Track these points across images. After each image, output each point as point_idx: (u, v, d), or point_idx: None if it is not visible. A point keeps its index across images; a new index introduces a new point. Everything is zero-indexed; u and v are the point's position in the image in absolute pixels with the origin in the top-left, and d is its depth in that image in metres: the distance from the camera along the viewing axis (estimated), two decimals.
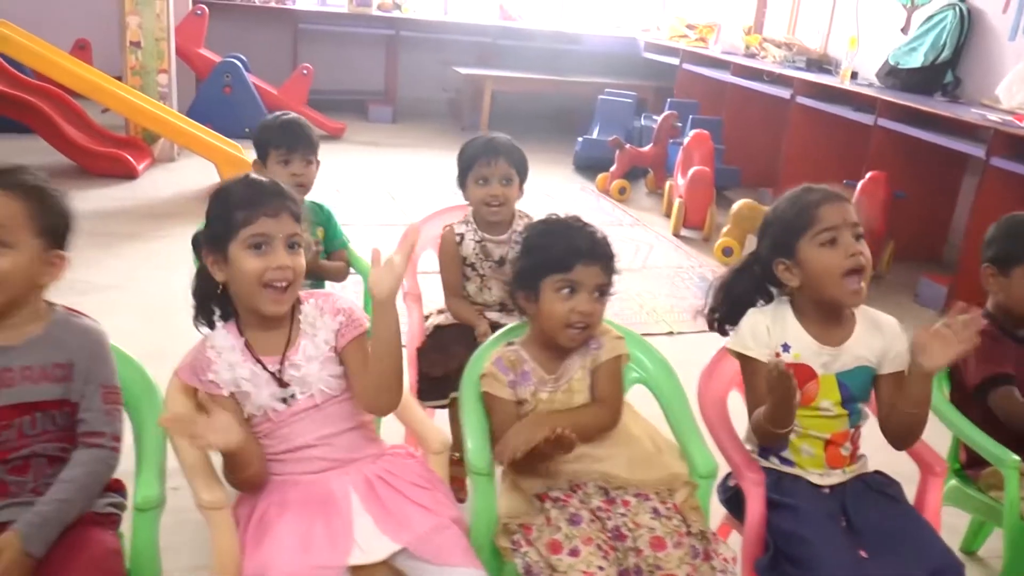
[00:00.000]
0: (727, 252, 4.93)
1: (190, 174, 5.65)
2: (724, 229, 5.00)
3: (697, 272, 4.80)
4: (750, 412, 1.84)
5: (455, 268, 2.45)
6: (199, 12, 6.69)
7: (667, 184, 5.82)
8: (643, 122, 6.94)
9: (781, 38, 6.74)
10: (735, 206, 4.99)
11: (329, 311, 1.70)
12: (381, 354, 1.63)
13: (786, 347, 1.84)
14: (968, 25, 5.23)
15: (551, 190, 5.99)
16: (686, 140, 5.62)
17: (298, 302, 1.68)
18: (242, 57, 6.80)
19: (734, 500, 1.95)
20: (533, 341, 1.85)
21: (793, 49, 6.44)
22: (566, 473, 1.73)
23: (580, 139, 6.71)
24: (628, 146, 6.14)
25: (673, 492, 1.77)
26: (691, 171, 5.30)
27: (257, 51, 7.46)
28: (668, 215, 5.64)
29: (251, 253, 1.57)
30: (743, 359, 1.86)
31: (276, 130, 2.50)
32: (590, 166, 6.58)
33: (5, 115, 5.22)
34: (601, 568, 1.58)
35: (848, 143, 5.68)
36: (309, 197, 2.52)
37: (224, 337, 1.64)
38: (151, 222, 4.72)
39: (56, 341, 1.53)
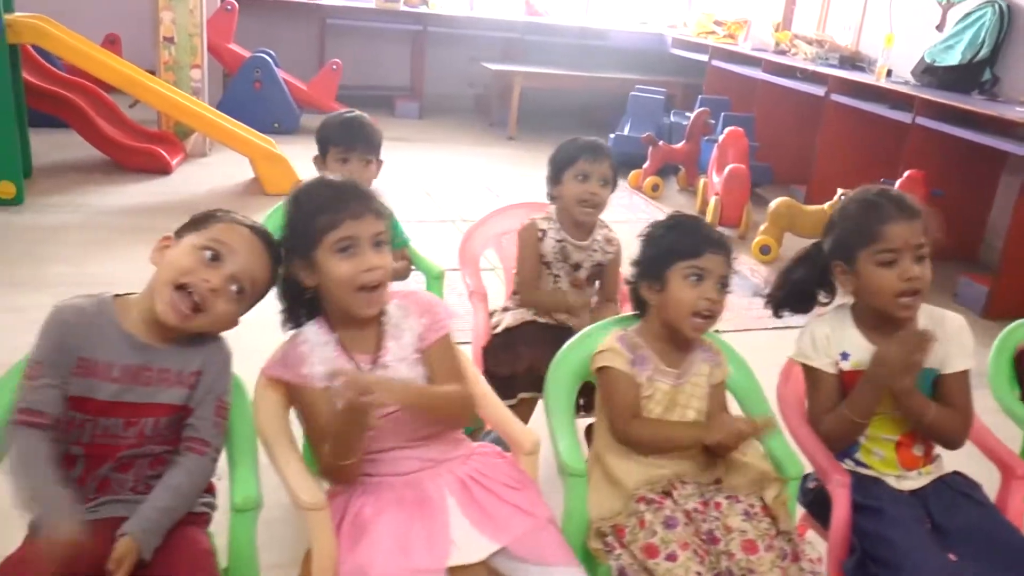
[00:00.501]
0: (764, 250, 4.91)
1: (223, 169, 5.65)
2: (762, 227, 4.98)
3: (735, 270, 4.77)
4: (812, 421, 1.86)
5: (535, 261, 2.45)
6: (229, 7, 6.69)
7: (700, 181, 5.80)
8: (672, 119, 6.92)
9: (812, 35, 6.70)
10: (773, 204, 4.97)
11: (415, 312, 1.69)
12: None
13: (845, 355, 1.85)
14: (1008, 23, 5.19)
15: None
16: (720, 137, 5.60)
17: None
18: (271, 52, 6.80)
19: (815, 502, 1.94)
20: (650, 333, 1.85)
21: (825, 46, 6.40)
22: (667, 473, 1.73)
23: (611, 136, 6.69)
24: (661, 143, 6.12)
25: (762, 491, 1.76)
26: (727, 168, 5.28)
27: (284, 46, 7.46)
28: (702, 212, 5.63)
29: (339, 258, 1.55)
30: (806, 369, 1.87)
31: (337, 128, 2.49)
32: (621, 163, 6.47)
33: (41, 110, 5.22)
34: (698, 573, 1.58)
35: (882, 141, 5.66)
36: None
37: (316, 333, 1.63)
38: (187, 217, 4.73)
39: (193, 349, 1.54)
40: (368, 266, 1.56)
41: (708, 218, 5.38)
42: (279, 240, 1.62)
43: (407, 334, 1.66)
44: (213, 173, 5.60)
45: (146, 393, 1.49)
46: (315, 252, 1.56)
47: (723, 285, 1.80)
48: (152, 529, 1.40)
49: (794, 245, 5.01)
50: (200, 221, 1.57)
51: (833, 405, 1.81)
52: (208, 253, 1.52)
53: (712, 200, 5.35)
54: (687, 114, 6.53)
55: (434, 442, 1.66)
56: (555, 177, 2.47)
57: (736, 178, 5.24)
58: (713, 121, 6.18)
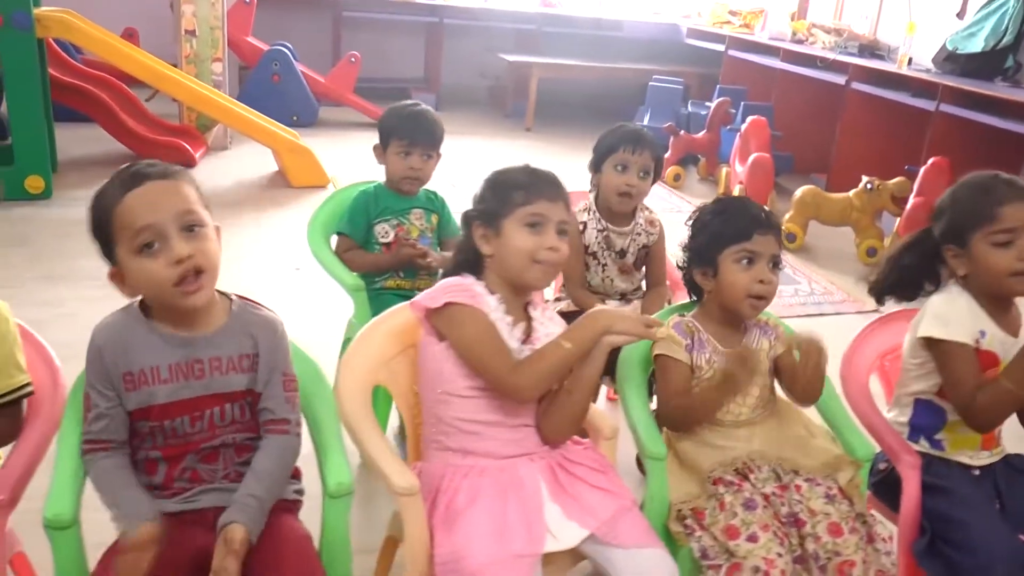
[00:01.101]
0: (790, 238, 4.92)
1: (245, 161, 5.66)
2: (787, 215, 4.98)
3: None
4: (959, 397, 1.79)
5: (578, 256, 2.45)
6: (247, 0, 6.68)
7: (722, 171, 5.81)
8: (690, 109, 6.92)
9: (829, 24, 6.70)
10: (798, 192, 4.98)
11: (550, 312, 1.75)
12: (583, 389, 1.65)
13: (983, 333, 1.82)
14: None
15: None
16: (743, 127, 5.60)
17: None
18: (288, 45, 6.80)
19: (882, 484, 1.95)
20: (707, 317, 1.87)
21: (843, 35, 6.40)
22: (739, 455, 1.75)
23: None
24: (682, 132, 6.13)
25: (836, 474, 1.77)
26: (751, 158, 5.28)
27: (299, 39, 7.45)
28: None
29: (527, 231, 1.62)
30: (942, 346, 1.81)
31: (402, 121, 2.48)
32: None
33: (65, 103, 5.22)
34: (780, 555, 1.59)
35: (903, 129, 5.66)
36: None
37: (481, 288, 1.66)
38: (214, 210, 4.76)
39: (241, 332, 1.51)
40: (551, 244, 1.62)
41: None
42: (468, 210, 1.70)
43: (551, 327, 1.72)
44: (236, 165, 5.61)
45: (202, 385, 1.47)
46: (504, 221, 1.63)
47: (775, 264, 1.81)
48: (253, 515, 1.41)
49: (819, 233, 5.05)
50: (105, 238, 1.44)
51: (979, 379, 1.77)
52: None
53: (736, 189, 5.36)
54: (707, 104, 6.53)
55: (529, 430, 1.67)
56: (596, 165, 2.48)
57: (760, 167, 5.24)
58: (733, 111, 6.17)
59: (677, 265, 1.97)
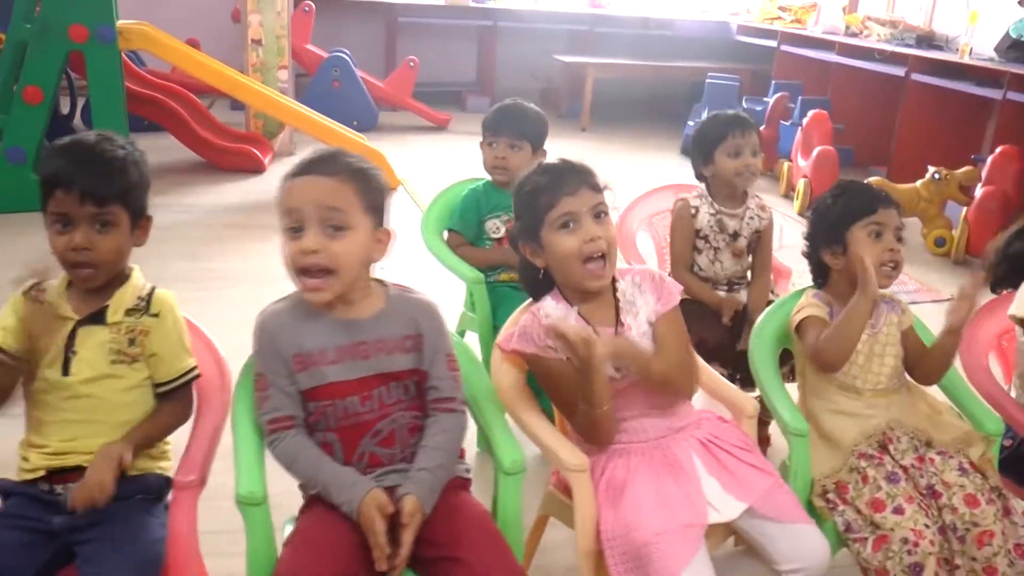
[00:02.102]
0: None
1: None
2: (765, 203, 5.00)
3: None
4: None
5: (687, 241, 2.51)
6: (307, 8, 6.81)
7: (783, 165, 5.83)
8: (744, 105, 6.94)
9: (883, 16, 6.70)
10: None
11: (648, 288, 1.74)
12: None
13: None
14: None
15: (668, 175, 6.02)
16: (804, 121, 5.63)
17: (614, 279, 1.72)
18: (346, 52, 6.90)
19: (1009, 460, 1.99)
20: (836, 295, 1.92)
21: (899, 27, 6.40)
22: (880, 424, 1.80)
23: (691, 123, 6.72)
24: None
25: (967, 449, 1.81)
26: (816, 151, 5.31)
27: (354, 45, 7.54)
28: (786, 196, 5.68)
29: (563, 233, 1.62)
30: None
31: (490, 114, 2.62)
32: None
33: (139, 114, 5.35)
34: (927, 526, 1.64)
35: (965, 119, 5.66)
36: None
37: (555, 307, 1.69)
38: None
39: (402, 314, 1.58)
40: (590, 236, 1.62)
41: (797, 201, 5.42)
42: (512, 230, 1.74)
43: (642, 310, 1.72)
44: None
45: (368, 366, 1.54)
46: (541, 232, 1.65)
47: (899, 237, 1.88)
48: (425, 487, 1.48)
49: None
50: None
51: None
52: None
53: (800, 183, 5.38)
54: (765, 99, 6.55)
55: (671, 410, 1.72)
56: (706, 156, 2.53)
57: (826, 160, 5.27)
58: (792, 105, 6.20)
59: (803, 253, 2.01)
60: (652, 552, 1.50)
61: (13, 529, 1.44)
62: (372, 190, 1.54)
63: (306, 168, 1.51)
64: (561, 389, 1.65)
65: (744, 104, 6.92)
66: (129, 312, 1.55)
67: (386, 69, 7.78)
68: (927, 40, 6.18)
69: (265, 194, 5.40)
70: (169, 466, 1.63)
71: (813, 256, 1.98)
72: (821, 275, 1.99)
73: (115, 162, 1.52)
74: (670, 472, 1.63)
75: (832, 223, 1.90)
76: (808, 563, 1.59)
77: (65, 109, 5.57)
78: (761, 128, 6.10)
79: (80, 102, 5.57)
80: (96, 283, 1.54)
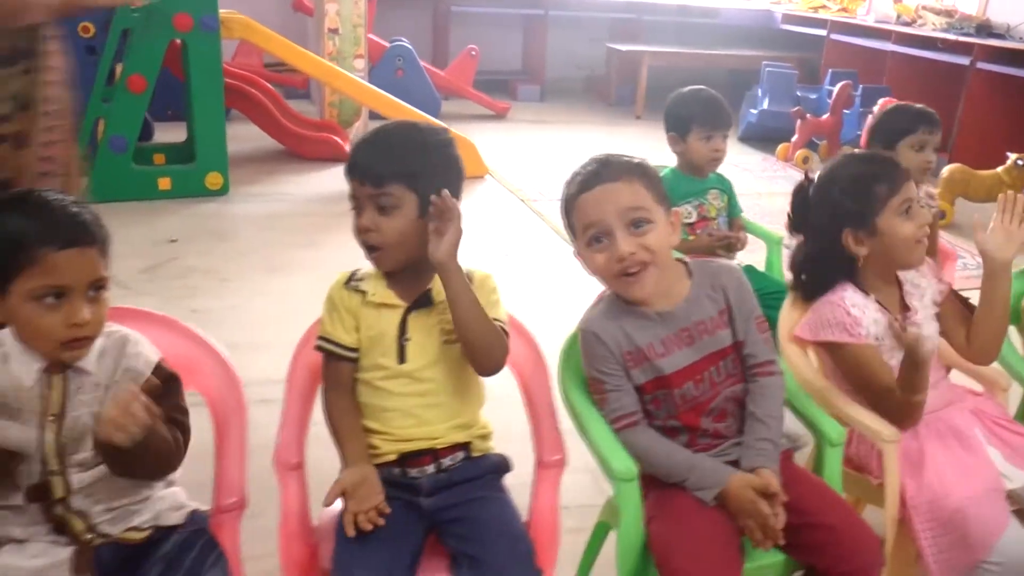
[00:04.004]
0: (940, 215, 5.05)
1: None
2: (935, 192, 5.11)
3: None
4: None
5: None
6: None
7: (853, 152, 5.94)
8: (799, 93, 7.04)
9: (939, 5, 6.81)
10: (945, 170, 5.11)
11: (927, 270, 1.85)
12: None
13: None
14: None
15: (734, 160, 6.12)
16: (875, 109, 5.73)
17: None
18: (404, 40, 6.94)
19: None
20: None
21: (955, 16, 6.51)
22: None
23: (753, 111, 6.81)
24: (809, 116, 6.27)
25: None
26: None
27: (406, 34, 7.58)
28: None
29: (903, 218, 1.73)
30: None
31: (700, 106, 2.64)
32: (761, 137, 6.72)
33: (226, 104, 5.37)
34: None
35: None
36: None
37: (857, 296, 1.78)
38: None
39: (710, 288, 1.64)
40: (922, 223, 1.75)
41: None
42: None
43: (927, 293, 1.83)
44: None
45: (695, 349, 1.60)
46: (876, 219, 1.73)
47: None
48: (775, 459, 1.56)
49: (967, 210, 5.17)
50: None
51: None
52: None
53: None
54: (823, 88, 6.65)
55: (947, 381, 1.83)
56: (887, 145, 2.61)
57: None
58: (855, 93, 6.32)
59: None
60: (968, 517, 1.59)
61: (392, 509, 1.48)
62: (654, 179, 1.60)
63: (591, 180, 1.56)
64: (870, 376, 1.74)
65: (798, 92, 7.03)
66: None
67: (434, 58, 7.81)
68: (986, 29, 6.30)
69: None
70: (492, 446, 1.65)
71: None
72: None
73: (397, 145, 1.54)
74: (957, 441, 1.72)
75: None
76: None
77: None
78: (825, 116, 6.31)
79: None
80: (386, 266, 1.56)
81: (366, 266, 1.61)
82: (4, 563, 1.34)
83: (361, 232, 1.53)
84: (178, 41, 4.59)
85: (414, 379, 1.54)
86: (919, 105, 2.67)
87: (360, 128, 5.99)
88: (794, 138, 6.27)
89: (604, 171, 1.58)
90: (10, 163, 1.90)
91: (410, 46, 6.79)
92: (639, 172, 1.58)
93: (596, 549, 1.81)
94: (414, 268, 1.56)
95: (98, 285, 1.36)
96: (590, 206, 1.56)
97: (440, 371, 1.56)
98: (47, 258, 1.29)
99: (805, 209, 1.87)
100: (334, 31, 5.79)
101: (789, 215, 1.91)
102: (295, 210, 4.75)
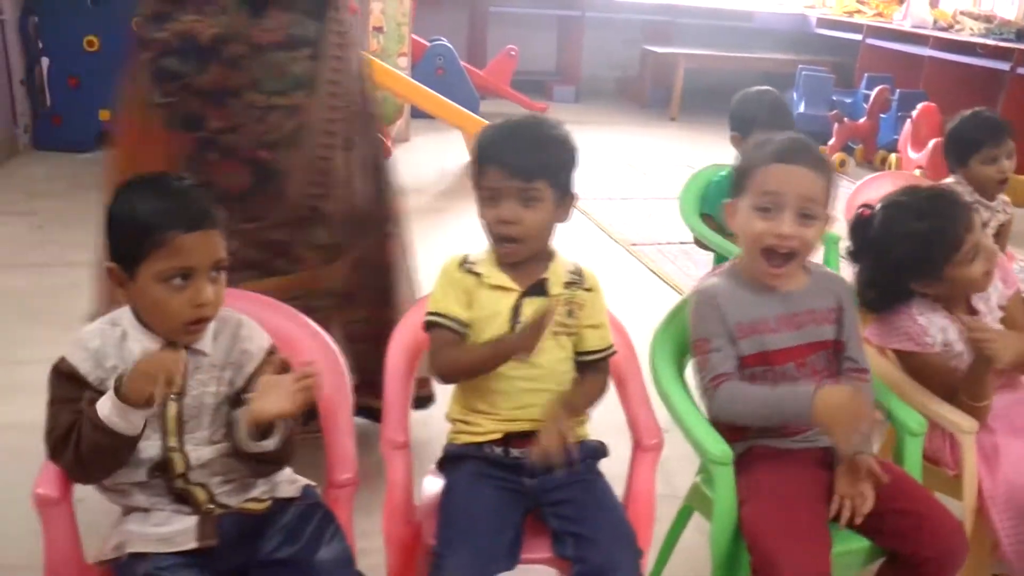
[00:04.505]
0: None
1: (432, 151, 5.95)
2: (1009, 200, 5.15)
3: None
4: None
5: None
6: None
7: (891, 157, 5.98)
8: (834, 97, 7.07)
9: (977, 10, 6.83)
10: None
11: (999, 277, 1.94)
12: None
13: None
14: None
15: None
16: (914, 114, 5.77)
17: None
18: (443, 39, 7.01)
19: None
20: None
21: (993, 22, 6.52)
22: None
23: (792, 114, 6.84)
24: (846, 120, 6.31)
25: None
26: (932, 143, 5.46)
27: (444, 34, 7.65)
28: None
29: (969, 265, 1.81)
30: None
31: (764, 109, 2.72)
32: None
33: None
34: None
35: None
36: None
37: (926, 305, 1.88)
38: (453, 198, 5.11)
39: (824, 288, 1.73)
40: (990, 255, 1.86)
41: None
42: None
43: (992, 297, 1.92)
44: (425, 156, 5.86)
45: (801, 335, 1.69)
46: (943, 271, 1.82)
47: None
48: (868, 447, 1.63)
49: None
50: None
51: None
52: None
53: (916, 174, 5.52)
54: (861, 92, 6.69)
55: (1015, 380, 1.91)
56: (960, 161, 2.66)
57: (942, 151, 5.40)
58: (892, 98, 6.35)
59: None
60: None
61: (495, 488, 1.55)
62: (833, 183, 1.67)
63: (790, 155, 1.62)
64: (936, 382, 1.82)
65: (833, 96, 7.07)
66: (567, 285, 1.64)
67: (469, 57, 7.87)
68: None
69: (402, 178, 5.44)
70: (588, 432, 1.70)
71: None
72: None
73: (543, 140, 1.60)
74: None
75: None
76: None
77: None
78: (861, 120, 6.35)
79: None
80: (518, 257, 1.60)
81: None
82: (132, 529, 1.41)
83: (501, 223, 1.56)
84: None
85: (523, 363, 1.57)
86: (986, 113, 2.70)
87: (402, 126, 6.06)
88: (831, 142, 6.30)
89: (804, 153, 1.64)
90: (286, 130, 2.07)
91: (450, 45, 6.86)
92: (828, 171, 1.66)
93: (678, 534, 1.88)
94: (533, 257, 1.62)
95: (219, 266, 1.42)
96: (779, 177, 1.62)
97: (548, 359, 1.60)
98: (176, 240, 1.35)
99: (865, 243, 1.93)
100: (379, 29, 5.86)
101: (849, 250, 1.98)
102: None
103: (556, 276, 1.63)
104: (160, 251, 1.35)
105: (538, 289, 1.61)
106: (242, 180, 2.06)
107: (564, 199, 1.61)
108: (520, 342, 1.50)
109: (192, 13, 1.98)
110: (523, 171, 1.53)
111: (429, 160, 5.76)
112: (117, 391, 1.28)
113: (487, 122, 5.36)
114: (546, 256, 1.65)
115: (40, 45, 5.33)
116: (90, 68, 5.25)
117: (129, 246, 1.37)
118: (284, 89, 2.05)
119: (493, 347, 1.55)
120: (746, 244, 1.68)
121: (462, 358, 1.58)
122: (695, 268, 4.08)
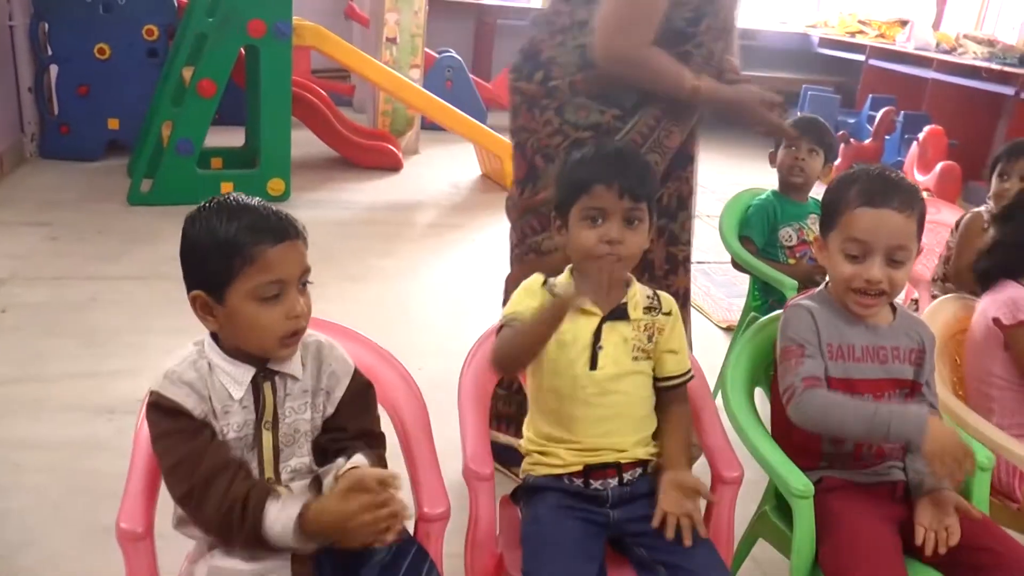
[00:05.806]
0: None
1: (442, 164, 5.96)
2: None
3: None
4: None
5: (972, 252, 2.67)
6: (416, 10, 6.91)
7: None
8: (838, 117, 7.14)
9: (979, 34, 6.91)
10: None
11: None
12: None
13: None
14: None
15: (766, 182, 6.19)
16: (921, 136, 5.84)
17: None
18: (451, 51, 7.02)
19: None
20: None
21: (996, 46, 6.60)
22: None
23: None
24: (853, 141, 6.36)
25: None
26: (940, 165, 5.53)
27: (446, 45, 7.67)
28: None
29: None
30: None
31: (802, 126, 2.75)
32: None
33: None
34: None
35: None
36: None
37: None
38: (452, 211, 5.08)
39: (909, 328, 1.73)
40: None
41: None
42: None
43: None
44: (436, 170, 5.86)
45: (884, 369, 1.69)
46: None
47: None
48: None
49: None
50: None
51: None
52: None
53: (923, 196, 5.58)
54: (873, 113, 6.75)
55: None
56: (1003, 169, 2.71)
57: (949, 175, 5.49)
58: (898, 119, 6.41)
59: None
60: None
61: (578, 520, 1.54)
62: (924, 215, 1.65)
63: (879, 199, 1.60)
64: None
65: (837, 117, 7.13)
66: (647, 310, 1.64)
67: (475, 69, 7.88)
68: None
69: (414, 192, 5.54)
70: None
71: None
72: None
73: (646, 165, 1.65)
74: None
75: None
76: None
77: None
78: (867, 141, 6.40)
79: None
80: (619, 275, 1.61)
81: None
82: (221, 565, 1.36)
83: (610, 243, 1.56)
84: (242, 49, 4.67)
85: (604, 389, 1.57)
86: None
87: (412, 138, 6.06)
88: (837, 162, 6.33)
89: (893, 193, 1.60)
90: None
91: (459, 57, 6.87)
92: (920, 208, 1.63)
93: (740, 562, 1.88)
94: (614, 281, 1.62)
95: (306, 276, 1.40)
96: (866, 224, 1.60)
97: (628, 385, 1.60)
98: (265, 254, 1.33)
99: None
100: (392, 40, 5.87)
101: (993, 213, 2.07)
102: (361, 218, 4.81)
103: (635, 301, 1.63)
104: (251, 267, 1.33)
105: (619, 313, 1.61)
106: None
107: (652, 223, 1.62)
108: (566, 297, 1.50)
109: None
110: (633, 192, 1.55)
111: (439, 174, 5.76)
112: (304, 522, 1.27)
113: (500, 136, 5.47)
114: (625, 281, 1.65)
115: (50, 52, 5.30)
116: (101, 76, 5.25)
117: (217, 269, 1.35)
118: None
119: (537, 314, 1.52)
120: (835, 282, 1.70)
121: (514, 337, 1.55)
122: (715, 289, 4.09)
